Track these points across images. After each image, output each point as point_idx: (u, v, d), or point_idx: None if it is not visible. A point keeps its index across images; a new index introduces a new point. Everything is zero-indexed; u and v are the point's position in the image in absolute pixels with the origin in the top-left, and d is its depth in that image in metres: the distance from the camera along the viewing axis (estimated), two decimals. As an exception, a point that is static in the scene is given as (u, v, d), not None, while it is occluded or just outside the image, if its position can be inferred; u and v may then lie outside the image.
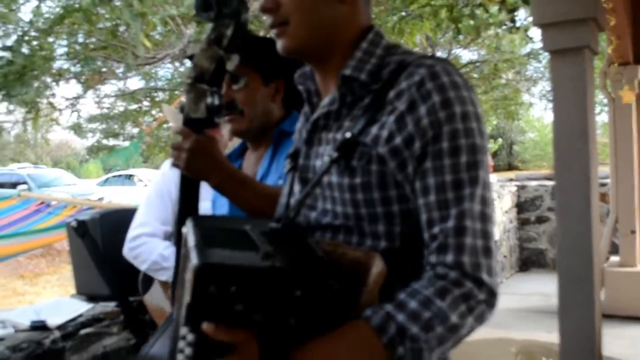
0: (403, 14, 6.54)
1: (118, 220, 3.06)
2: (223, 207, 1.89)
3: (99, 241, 3.06)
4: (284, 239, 1.08)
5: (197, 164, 1.44)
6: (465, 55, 13.92)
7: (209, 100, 1.38)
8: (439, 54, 12.67)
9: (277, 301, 0.93)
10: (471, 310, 1.04)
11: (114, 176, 21.02)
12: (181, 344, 0.96)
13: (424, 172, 1.08)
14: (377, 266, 1.03)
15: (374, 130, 1.12)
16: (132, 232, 2.78)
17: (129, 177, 20.40)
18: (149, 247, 2.73)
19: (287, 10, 1.19)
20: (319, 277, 0.96)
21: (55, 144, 42.01)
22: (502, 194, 7.64)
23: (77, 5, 6.59)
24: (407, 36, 6.85)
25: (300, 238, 1.11)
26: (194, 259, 0.91)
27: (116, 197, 18.44)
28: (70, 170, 30.34)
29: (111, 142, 16.52)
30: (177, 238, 1.37)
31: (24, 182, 18.79)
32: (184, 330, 0.95)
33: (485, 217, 1.08)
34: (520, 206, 8.22)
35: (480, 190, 1.08)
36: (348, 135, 1.14)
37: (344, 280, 0.99)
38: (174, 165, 1.46)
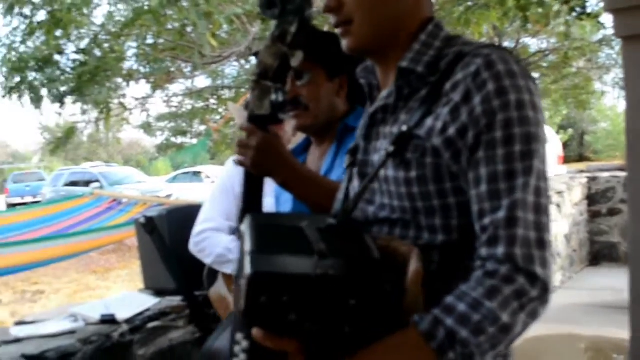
0: (469, 4, 6.43)
1: (184, 217, 3.11)
2: (287, 203, 1.89)
3: (166, 237, 3.12)
4: (339, 235, 1.08)
5: (262, 161, 1.43)
6: (534, 44, 13.54)
7: (273, 96, 1.38)
8: (506, 43, 12.41)
9: (331, 310, 0.92)
10: (523, 308, 1.00)
11: (182, 173, 21.43)
12: (236, 349, 0.99)
13: (477, 162, 1.06)
14: (413, 264, 1.01)
15: (429, 122, 1.11)
16: (197, 227, 2.82)
17: (197, 174, 20.76)
18: (213, 241, 2.76)
19: (351, 9, 1.19)
20: (373, 283, 0.95)
21: (126, 143, 43.25)
22: (572, 186, 7.43)
23: (146, 8, 6.75)
24: (473, 26, 6.73)
25: (357, 234, 1.10)
26: (247, 267, 0.92)
27: (184, 193, 18.82)
28: (140, 168, 31.23)
29: (179, 140, 16.88)
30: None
31: (97, 181, 19.43)
32: (239, 336, 0.98)
33: (540, 208, 1.04)
34: (591, 198, 7.97)
35: (535, 181, 1.04)
36: (404, 128, 1.13)
37: (395, 281, 0.98)
38: (239, 162, 1.46)
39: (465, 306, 1.00)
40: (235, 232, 2.81)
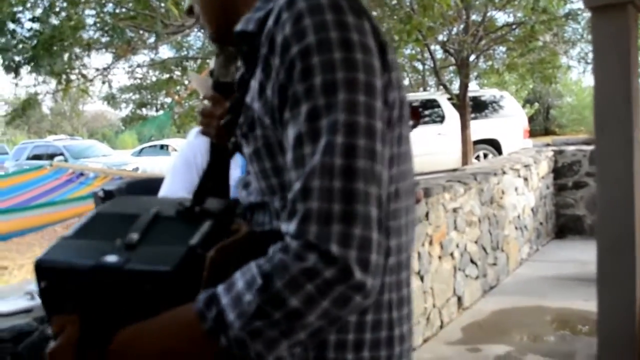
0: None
1: (145, 190, 3.03)
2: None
3: (125, 211, 3.02)
4: (173, 223, 1.04)
5: (227, 131, 1.36)
6: (501, 17, 13.54)
7: (238, 63, 1.29)
8: (473, 16, 12.37)
9: (107, 299, 0.95)
10: (323, 293, 0.82)
11: (149, 147, 21.19)
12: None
13: (285, 124, 0.90)
14: (211, 251, 0.94)
15: (252, 85, 0.97)
16: (158, 201, 2.73)
17: (163, 147, 20.54)
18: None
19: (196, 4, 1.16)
20: (135, 281, 0.93)
21: (91, 116, 42.50)
22: (539, 160, 7.46)
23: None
24: (440, -2, 6.68)
25: (194, 221, 1.03)
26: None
27: (150, 167, 18.60)
28: (106, 141, 30.78)
29: (145, 112, 16.62)
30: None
31: (61, 154, 19.10)
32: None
33: (352, 173, 0.84)
34: (558, 171, 8.03)
35: (344, 138, 0.84)
36: (238, 96, 1.02)
37: (167, 280, 0.92)
38: (204, 133, 1.37)
39: (243, 283, 0.85)
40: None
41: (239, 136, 1.03)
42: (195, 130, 2.95)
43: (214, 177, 1.36)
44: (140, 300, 0.93)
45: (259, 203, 1.02)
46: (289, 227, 0.86)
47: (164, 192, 2.77)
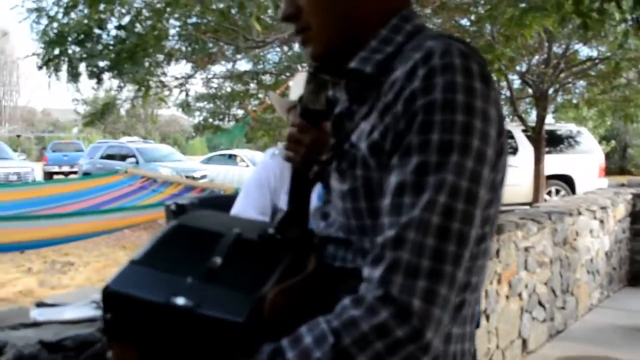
0: (526, 6, 6.20)
1: (216, 207, 2.98)
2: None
3: (196, 227, 3.01)
4: (253, 252, 1.00)
5: (313, 159, 1.31)
6: (584, 51, 13.14)
7: (329, 91, 1.27)
8: (555, 48, 12.07)
9: (175, 336, 0.92)
10: (392, 353, 0.83)
11: (218, 155, 21.52)
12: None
13: (390, 170, 0.92)
14: (271, 293, 0.92)
15: (362, 126, 0.99)
16: (229, 220, 2.71)
17: (232, 156, 20.82)
18: (244, 236, 2.65)
19: (307, 14, 1.06)
20: (203, 324, 0.90)
21: (164, 120, 43.58)
22: (616, 202, 7.17)
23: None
24: (524, 29, 6.50)
25: (276, 252, 1.01)
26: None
27: (218, 175, 18.87)
28: (176, 146, 31.49)
29: (216, 121, 16.87)
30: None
31: (133, 156, 19.58)
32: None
33: (447, 234, 0.86)
34: (635, 216, 7.70)
35: (447, 199, 0.86)
36: (342, 134, 1.01)
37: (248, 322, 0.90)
38: (289, 159, 1.36)
39: (312, 339, 0.85)
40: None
41: (332, 170, 1.03)
42: (271, 151, 2.94)
43: (294, 205, 1.36)
44: (204, 341, 0.92)
45: (343, 239, 1.02)
46: (372, 272, 0.87)
47: (235, 210, 2.76)
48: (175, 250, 1.00)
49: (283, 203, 2.69)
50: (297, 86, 2.89)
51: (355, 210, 0.98)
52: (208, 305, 0.91)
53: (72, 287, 7.82)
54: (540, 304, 5.21)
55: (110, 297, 0.94)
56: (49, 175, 24.35)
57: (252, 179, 2.84)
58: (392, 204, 0.89)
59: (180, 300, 0.90)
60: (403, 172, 0.89)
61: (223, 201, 3.06)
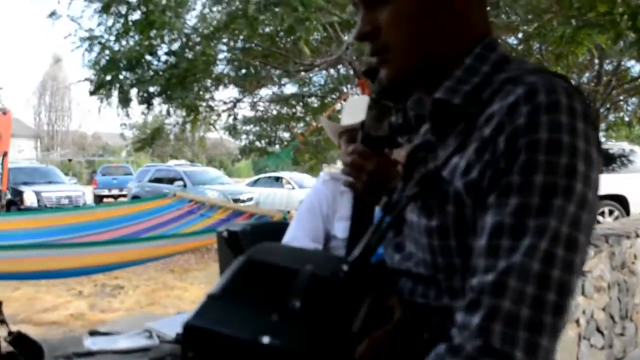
0: (574, 22, 6.08)
1: (269, 234, 2.99)
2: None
3: (248, 254, 2.99)
4: (334, 289, 0.93)
5: (377, 187, 1.30)
6: (636, 67, 12.84)
7: (392, 118, 1.25)
8: (606, 65, 11.83)
9: None
10: None
11: (264, 177, 21.64)
12: None
13: (486, 209, 0.87)
14: (362, 346, 0.88)
15: (454, 161, 0.94)
16: (282, 247, 2.68)
17: (278, 179, 20.91)
18: (298, 264, 2.61)
19: (386, 34, 1.00)
20: None
21: (210, 143, 44.06)
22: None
23: (240, 12, 6.72)
24: (576, 46, 6.37)
25: (359, 289, 0.95)
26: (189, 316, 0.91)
27: (264, 198, 18.95)
28: (223, 169, 31.78)
29: (263, 144, 17.01)
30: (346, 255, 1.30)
31: (181, 179, 19.80)
32: None
33: (548, 282, 0.82)
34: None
35: (548, 245, 0.82)
36: (430, 167, 0.96)
37: None
38: (351, 186, 1.35)
39: None
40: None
41: (413, 203, 0.99)
42: (322, 176, 2.90)
43: (356, 232, 1.36)
44: None
45: (426, 276, 0.98)
46: (469, 318, 0.83)
47: (288, 238, 2.72)
48: (252, 287, 0.95)
49: (336, 230, 2.65)
50: (349, 110, 2.86)
51: (444, 247, 0.95)
52: (296, 346, 0.87)
53: (122, 310, 7.91)
54: (598, 330, 5.02)
55: (193, 333, 0.90)
56: (99, 199, 24.82)
57: (304, 205, 2.81)
58: (488, 246, 0.85)
59: (266, 339, 0.86)
60: (501, 213, 0.85)
61: (275, 228, 3.03)
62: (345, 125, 2.72)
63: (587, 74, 12.00)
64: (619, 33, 5.01)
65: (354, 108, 2.86)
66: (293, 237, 2.72)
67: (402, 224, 1.05)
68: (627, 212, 12.44)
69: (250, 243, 3.04)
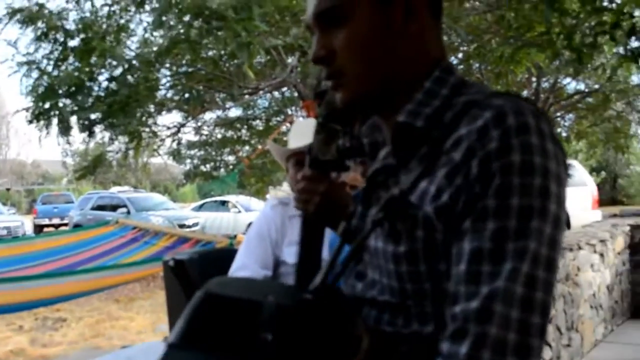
0: (512, 42, 6.23)
1: (217, 262, 2.93)
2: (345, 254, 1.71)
3: (197, 283, 2.92)
4: (302, 318, 0.91)
5: (328, 209, 1.30)
6: (572, 85, 13.25)
7: (340, 141, 1.24)
8: (543, 83, 12.17)
9: None
10: None
11: (209, 202, 21.44)
12: None
13: (462, 234, 0.87)
14: None
15: (422, 185, 0.94)
16: (231, 275, 2.63)
17: (224, 203, 20.76)
18: (247, 292, 2.56)
19: (341, 58, 1.01)
20: None
21: (154, 168, 43.46)
22: (615, 234, 7.12)
23: (182, 37, 6.66)
24: (515, 65, 6.52)
25: (324, 317, 0.92)
26: None
27: (211, 222, 18.75)
28: (167, 194, 31.37)
29: (208, 168, 16.88)
30: (297, 281, 1.32)
31: (124, 206, 19.46)
32: None
33: (531, 304, 0.83)
34: (634, 247, 7.63)
35: (529, 268, 0.83)
36: (395, 192, 0.94)
37: None
38: (302, 209, 1.33)
39: None
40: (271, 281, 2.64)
41: (379, 231, 0.97)
42: (271, 202, 2.87)
43: (306, 255, 1.35)
44: None
45: (394, 303, 0.96)
46: (455, 347, 0.83)
47: (236, 265, 2.68)
48: (214, 326, 0.91)
49: (286, 255, 2.62)
50: (296, 133, 2.84)
51: (413, 273, 0.93)
52: None
53: (64, 344, 7.64)
54: (545, 342, 5.09)
55: None
56: (39, 228, 24.13)
57: (253, 231, 2.77)
58: (469, 272, 0.85)
59: None
60: (479, 238, 0.85)
61: (223, 255, 2.97)
62: (293, 148, 2.70)
63: (525, 92, 12.31)
64: (556, 52, 5.15)
65: (301, 131, 2.84)
66: (242, 264, 2.67)
67: (363, 251, 1.03)
68: (568, 226, 12.77)
69: (197, 272, 2.97)
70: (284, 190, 18.41)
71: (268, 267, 2.65)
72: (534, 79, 11.50)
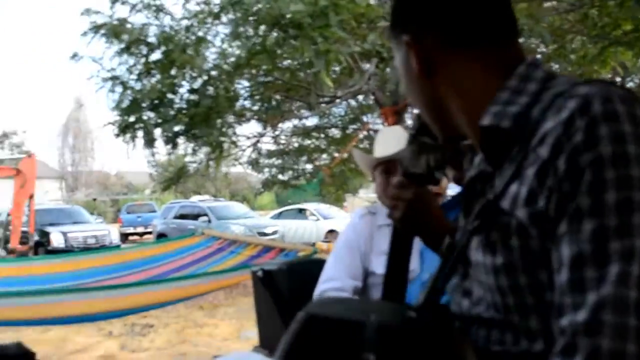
0: (596, 41, 6.02)
1: (305, 272, 2.93)
2: (433, 263, 1.67)
3: (285, 293, 2.94)
4: (409, 338, 0.87)
5: (414, 217, 1.30)
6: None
7: (431, 154, 1.23)
8: (630, 84, 11.71)
9: None
10: None
11: (287, 210, 21.65)
12: None
13: (559, 240, 0.80)
14: None
15: (513, 189, 0.87)
16: (320, 286, 2.63)
17: (302, 211, 20.92)
18: (336, 302, 2.55)
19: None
20: None
21: (233, 177, 44.31)
22: None
23: (260, 47, 6.75)
24: (599, 65, 6.29)
25: (432, 337, 0.89)
26: None
27: (289, 230, 18.92)
28: (245, 202, 31.84)
29: (285, 177, 17.06)
30: (385, 292, 1.33)
31: (205, 214, 19.84)
32: None
33: None
34: None
35: (639, 268, 0.74)
36: (489, 198, 0.89)
37: None
38: (390, 216, 1.33)
39: None
40: (360, 293, 2.62)
41: (478, 243, 0.92)
42: (359, 211, 2.85)
43: (393, 265, 1.35)
44: None
45: (500, 320, 0.90)
46: None
47: (326, 276, 2.66)
48: (317, 348, 0.90)
49: (375, 265, 2.60)
50: (382, 141, 2.81)
51: (513, 286, 0.87)
52: None
53: (152, 349, 7.86)
54: None
55: None
56: (124, 237, 24.97)
57: (341, 241, 2.75)
58: (571, 280, 0.77)
59: None
60: (578, 241, 0.77)
61: (310, 266, 2.98)
62: (379, 157, 2.68)
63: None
64: (646, 49, 4.93)
65: (387, 139, 2.81)
66: (331, 275, 2.66)
67: (468, 266, 0.99)
68: None
69: (286, 282, 2.99)
70: (362, 197, 18.41)
71: (357, 278, 2.63)
72: (618, 78, 11.07)
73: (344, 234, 2.78)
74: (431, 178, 1.27)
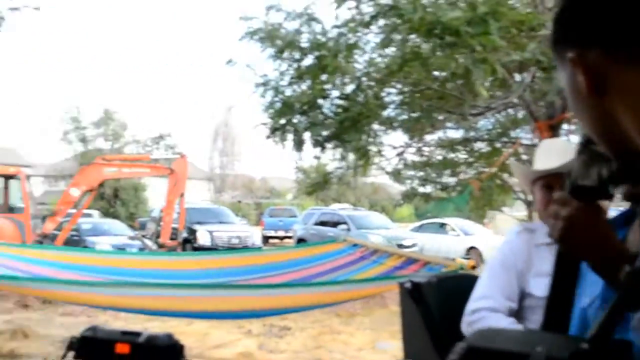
0: None
1: (455, 287, 2.81)
2: (594, 287, 1.50)
3: (433, 307, 2.83)
4: None
5: (574, 236, 1.15)
6: None
7: (603, 165, 1.08)
8: None
9: None
10: None
11: (428, 223, 21.37)
12: None
13: None
14: None
15: None
16: (472, 304, 2.51)
17: (442, 225, 20.58)
18: (490, 323, 2.42)
19: None
20: None
21: (373, 187, 44.45)
22: None
23: (413, 54, 6.65)
24: None
25: None
26: None
27: (427, 244, 18.64)
28: (384, 213, 31.82)
29: (427, 189, 16.83)
30: (546, 320, 1.24)
31: (344, 223, 20.04)
32: None
33: None
34: None
35: None
36: None
37: None
38: (551, 235, 1.18)
39: None
40: (515, 314, 2.47)
41: None
42: (516, 228, 2.70)
43: (556, 290, 1.25)
44: None
45: None
46: None
47: (478, 294, 2.54)
48: None
49: (532, 287, 2.45)
50: (544, 154, 2.65)
51: None
52: None
53: (288, 352, 7.97)
54: None
55: None
56: (265, 239, 25.78)
57: (497, 259, 2.62)
58: None
59: None
60: None
61: (463, 281, 2.86)
62: (540, 170, 2.52)
63: None
64: None
65: (549, 151, 2.65)
66: (484, 294, 2.53)
67: None
68: None
69: (434, 295, 2.88)
70: (506, 213, 17.76)
71: (512, 299, 2.49)
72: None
73: (500, 252, 2.65)
74: (603, 192, 1.11)
